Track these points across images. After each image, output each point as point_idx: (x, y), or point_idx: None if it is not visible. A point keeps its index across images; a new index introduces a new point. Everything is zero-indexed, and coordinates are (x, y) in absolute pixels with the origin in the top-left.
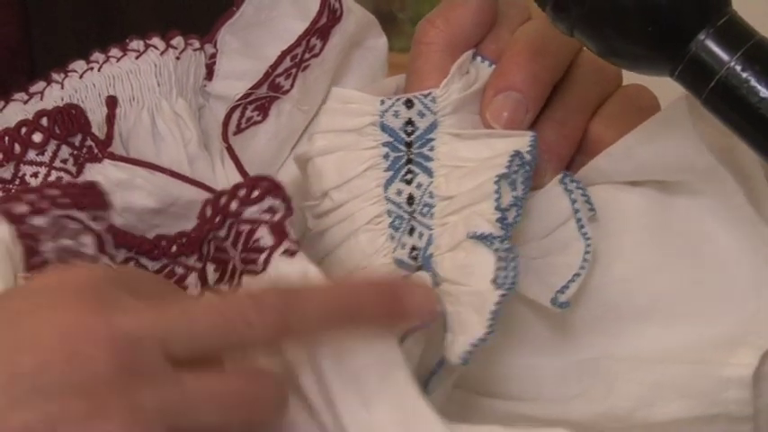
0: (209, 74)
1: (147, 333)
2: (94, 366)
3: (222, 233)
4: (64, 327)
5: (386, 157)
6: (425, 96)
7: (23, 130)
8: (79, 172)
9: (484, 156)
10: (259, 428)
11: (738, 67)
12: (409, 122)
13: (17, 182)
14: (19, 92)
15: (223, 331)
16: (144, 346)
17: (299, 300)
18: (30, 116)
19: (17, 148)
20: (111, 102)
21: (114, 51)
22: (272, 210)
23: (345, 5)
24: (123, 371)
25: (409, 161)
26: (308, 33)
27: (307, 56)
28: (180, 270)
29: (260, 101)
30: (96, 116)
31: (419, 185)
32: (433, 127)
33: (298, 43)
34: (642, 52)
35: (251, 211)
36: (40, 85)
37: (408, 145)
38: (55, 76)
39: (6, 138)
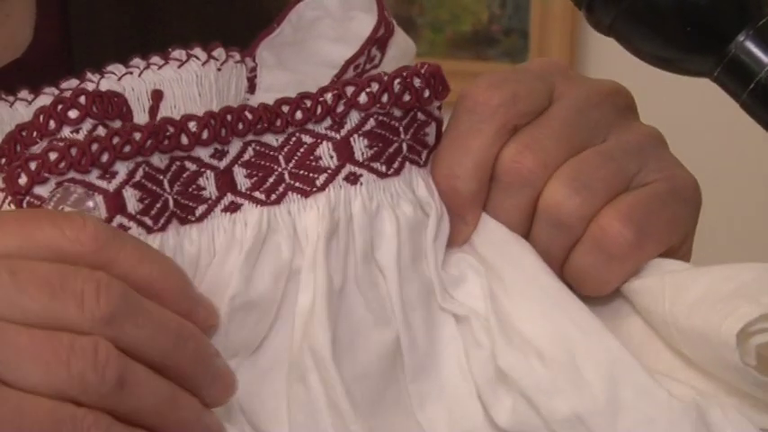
0: (251, 87)
1: None
2: None
3: (398, 113)
4: None
5: None
6: None
7: (60, 106)
8: None
9: None
10: None
11: None
12: None
13: None
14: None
15: (52, 309)
16: None
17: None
18: None
19: (52, 124)
20: (157, 95)
21: (155, 59)
22: (440, 108)
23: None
24: None
25: None
26: (369, 42)
27: (368, 66)
28: (308, 139)
29: None
30: (136, 120)
31: None
32: None
33: (360, 53)
34: (680, 53)
35: (435, 105)
36: (73, 82)
37: None
38: (90, 75)
39: (41, 115)
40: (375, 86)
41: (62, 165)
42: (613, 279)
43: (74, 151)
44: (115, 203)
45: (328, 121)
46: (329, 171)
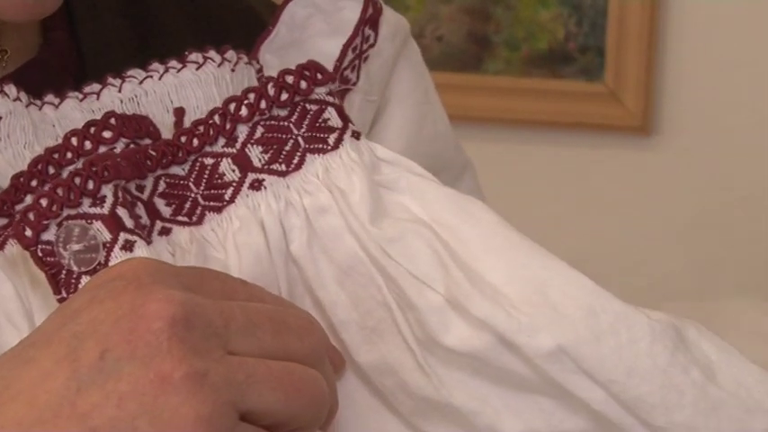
0: None
1: (207, 310)
2: (154, 338)
3: (283, 112)
4: (120, 310)
5: None
6: None
7: (93, 129)
8: None
9: None
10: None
11: None
12: None
13: None
14: (72, 92)
15: (282, 342)
16: (204, 321)
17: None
18: (86, 114)
19: (88, 144)
20: (179, 112)
21: (173, 63)
22: (331, 93)
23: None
24: (184, 341)
25: None
26: (361, 23)
27: (365, 46)
28: (209, 160)
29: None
30: (158, 120)
31: None
32: None
33: (355, 34)
34: None
35: (319, 92)
36: (95, 86)
37: None
38: (111, 80)
39: (73, 137)
40: (252, 96)
41: (54, 207)
42: None
43: (60, 191)
44: (114, 224)
45: (223, 140)
46: (234, 184)
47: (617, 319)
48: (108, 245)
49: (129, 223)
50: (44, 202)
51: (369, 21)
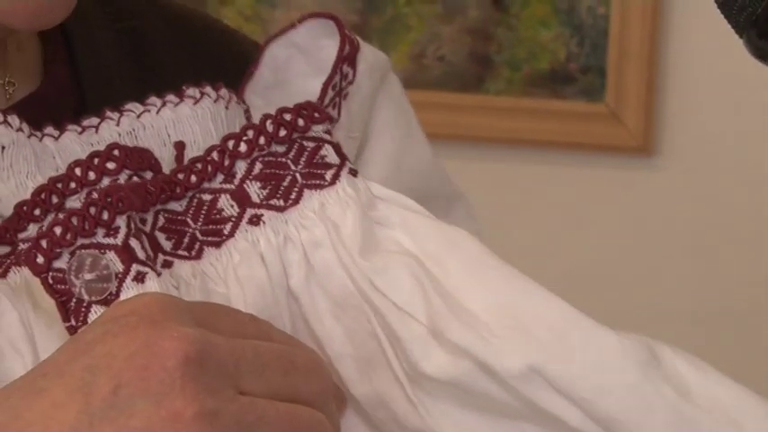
0: None
1: (219, 349)
2: (167, 376)
3: (281, 149)
4: (134, 346)
5: None
6: None
7: (96, 159)
8: None
9: None
10: None
11: None
12: None
13: None
14: (72, 125)
15: (290, 383)
16: (216, 360)
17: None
18: (85, 146)
19: (92, 175)
20: (180, 146)
21: (171, 97)
22: (329, 132)
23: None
24: (197, 380)
25: None
26: (339, 61)
27: (344, 83)
28: (207, 196)
29: None
30: (157, 154)
31: None
32: None
33: (334, 72)
34: None
35: (317, 129)
36: (94, 120)
37: None
38: (109, 113)
39: (77, 168)
40: (251, 133)
41: (68, 236)
42: None
43: (75, 220)
44: (126, 255)
45: (221, 176)
46: (233, 219)
47: (587, 337)
48: (120, 275)
49: (140, 254)
50: (58, 230)
51: (346, 58)
